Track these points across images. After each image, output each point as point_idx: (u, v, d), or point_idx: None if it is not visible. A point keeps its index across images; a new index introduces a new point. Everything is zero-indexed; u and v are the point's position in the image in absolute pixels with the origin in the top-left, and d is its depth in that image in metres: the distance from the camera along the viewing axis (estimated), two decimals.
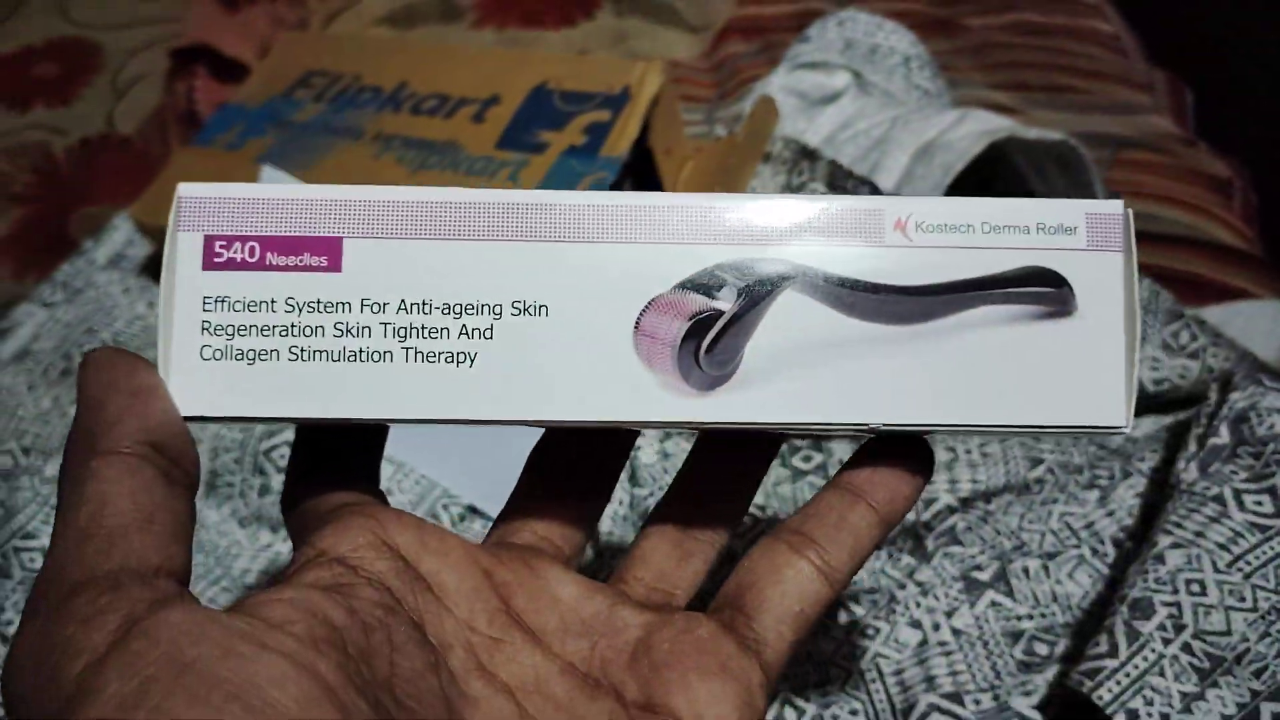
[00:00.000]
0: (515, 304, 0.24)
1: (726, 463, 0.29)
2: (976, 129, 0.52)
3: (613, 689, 0.24)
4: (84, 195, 0.69)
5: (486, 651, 0.24)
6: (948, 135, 0.52)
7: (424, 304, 0.24)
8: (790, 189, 0.54)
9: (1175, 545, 0.38)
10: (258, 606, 0.20)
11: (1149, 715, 0.35)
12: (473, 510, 0.51)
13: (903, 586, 0.43)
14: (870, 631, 0.42)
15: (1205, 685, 0.35)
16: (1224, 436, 0.42)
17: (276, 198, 0.24)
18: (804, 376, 0.24)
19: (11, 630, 0.44)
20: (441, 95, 0.60)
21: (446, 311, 0.24)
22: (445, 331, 0.24)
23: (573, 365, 0.24)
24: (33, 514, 0.48)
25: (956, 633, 0.41)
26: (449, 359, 0.24)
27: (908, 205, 0.24)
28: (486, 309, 0.24)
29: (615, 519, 0.48)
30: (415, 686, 0.21)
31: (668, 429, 0.31)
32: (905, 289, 0.24)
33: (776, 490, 0.49)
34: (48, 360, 0.59)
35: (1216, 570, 0.37)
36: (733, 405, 0.24)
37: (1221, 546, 0.38)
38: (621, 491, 0.49)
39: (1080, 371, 0.24)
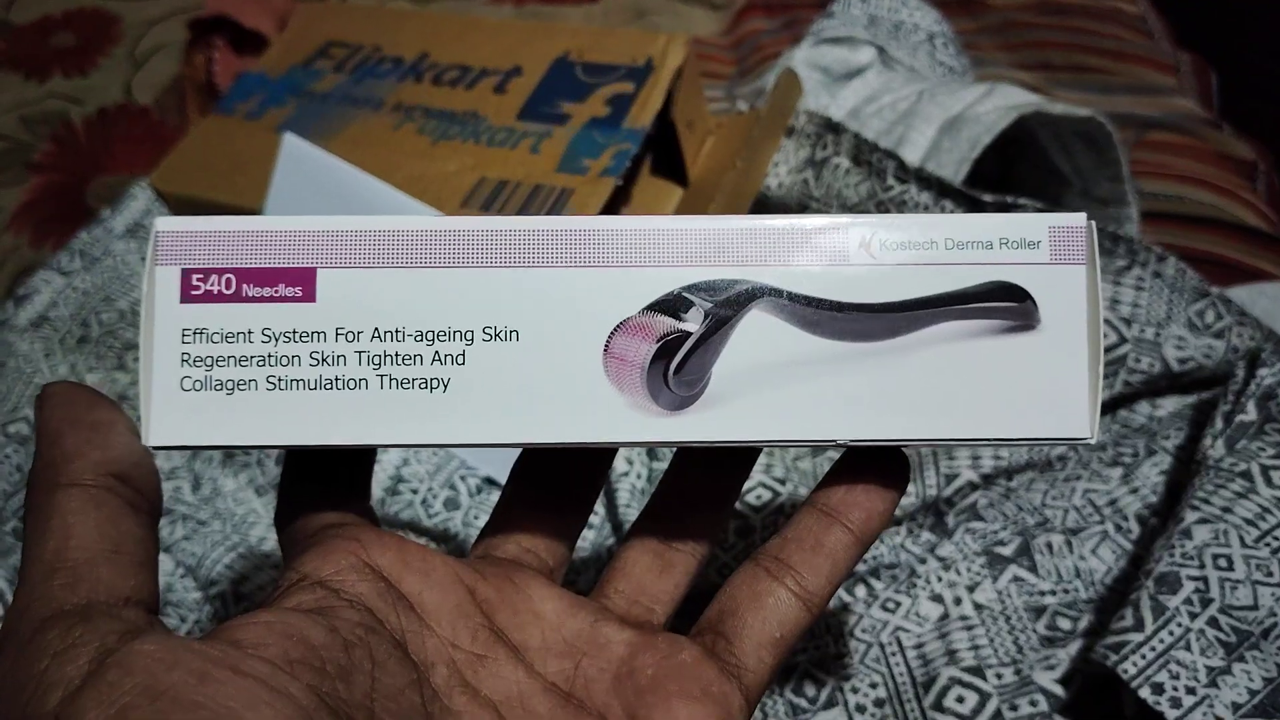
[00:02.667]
0: (486, 329, 0.24)
1: (704, 476, 0.29)
2: (1004, 103, 0.52)
3: (596, 710, 0.25)
4: (102, 164, 0.69)
5: (470, 668, 0.24)
6: (975, 109, 0.52)
7: (397, 331, 0.24)
8: (814, 163, 0.53)
9: (1202, 520, 0.38)
10: (233, 630, 0.20)
11: (1174, 689, 0.34)
12: (490, 482, 0.51)
13: (923, 561, 0.43)
14: (891, 605, 0.42)
15: (1231, 659, 0.35)
16: (1251, 413, 0.41)
17: (251, 230, 0.24)
18: (772, 394, 0.24)
19: None
20: (463, 66, 0.60)
21: (419, 338, 0.24)
22: (419, 358, 0.24)
23: (544, 388, 0.25)
24: None
25: (978, 607, 0.41)
26: (423, 385, 0.24)
27: (872, 223, 0.24)
28: (458, 335, 0.24)
29: (597, 530, 0.47)
30: (396, 703, 0.21)
31: (639, 448, 0.31)
32: (870, 306, 0.24)
33: (796, 465, 0.49)
34: (65, 328, 0.59)
35: (1244, 545, 0.37)
36: (702, 424, 0.25)
37: (1249, 522, 0.37)
38: (602, 505, 0.48)
39: (1045, 384, 0.24)
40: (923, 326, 0.24)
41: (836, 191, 0.52)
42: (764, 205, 0.57)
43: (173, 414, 0.24)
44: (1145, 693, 0.35)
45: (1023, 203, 0.48)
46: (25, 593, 0.20)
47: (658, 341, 0.24)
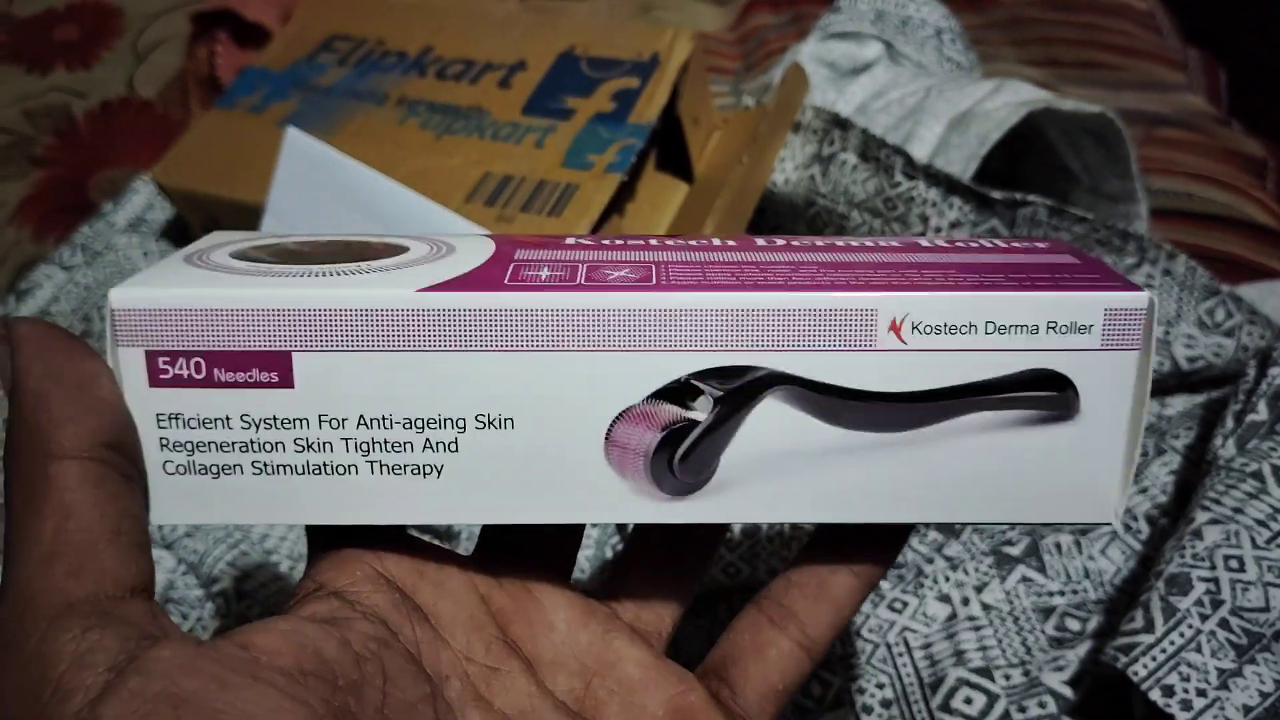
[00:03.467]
0: (480, 417, 0.23)
1: None
2: (1014, 99, 0.51)
3: None
4: (104, 158, 0.68)
5: (483, 681, 0.24)
6: (984, 105, 0.51)
7: (384, 419, 0.23)
8: (821, 159, 0.53)
9: (1213, 521, 0.37)
10: (249, 634, 0.20)
11: (1185, 691, 0.34)
12: None
13: (931, 561, 0.43)
14: (898, 605, 0.42)
15: (1243, 662, 0.34)
16: (1262, 413, 0.41)
17: (217, 308, 0.22)
18: (783, 481, 0.23)
19: None
20: (467, 60, 0.60)
21: (408, 426, 0.23)
22: (409, 445, 0.23)
23: (543, 473, 0.23)
24: None
25: (986, 607, 0.41)
26: (415, 471, 0.23)
27: (904, 304, 0.22)
28: (449, 422, 0.23)
29: (602, 529, 0.47)
30: (408, 718, 0.21)
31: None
32: (895, 397, 0.23)
33: None
34: (66, 322, 0.58)
35: (1255, 546, 0.36)
36: (707, 508, 0.23)
37: (1260, 523, 0.37)
38: None
39: (1075, 472, 0.23)
40: (951, 417, 0.23)
41: (844, 188, 0.51)
42: (770, 202, 0.56)
43: (160, 495, 0.23)
44: (1156, 695, 0.34)
45: (1032, 199, 0.47)
46: (24, 576, 0.19)
47: (663, 430, 0.23)
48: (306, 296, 0.22)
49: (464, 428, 0.23)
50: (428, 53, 0.61)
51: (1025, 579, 0.41)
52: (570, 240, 0.26)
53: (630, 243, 0.26)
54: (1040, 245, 0.26)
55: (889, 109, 0.55)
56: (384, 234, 0.27)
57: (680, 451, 0.23)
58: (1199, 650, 0.35)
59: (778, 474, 0.23)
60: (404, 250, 0.25)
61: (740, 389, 0.23)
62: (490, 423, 0.23)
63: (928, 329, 0.22)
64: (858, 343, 0.22)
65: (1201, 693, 0.34)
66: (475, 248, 0.25)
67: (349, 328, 0.22)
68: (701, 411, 0.23)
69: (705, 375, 0.22)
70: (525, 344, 0.22)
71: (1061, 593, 0.41)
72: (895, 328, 0.22)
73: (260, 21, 0.70)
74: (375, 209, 0.53)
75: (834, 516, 0.24)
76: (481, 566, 0.27)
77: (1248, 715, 0.34)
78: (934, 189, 0.49)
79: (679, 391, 0.23)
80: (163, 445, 0.23)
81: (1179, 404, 0.48)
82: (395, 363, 0.22)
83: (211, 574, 0.46)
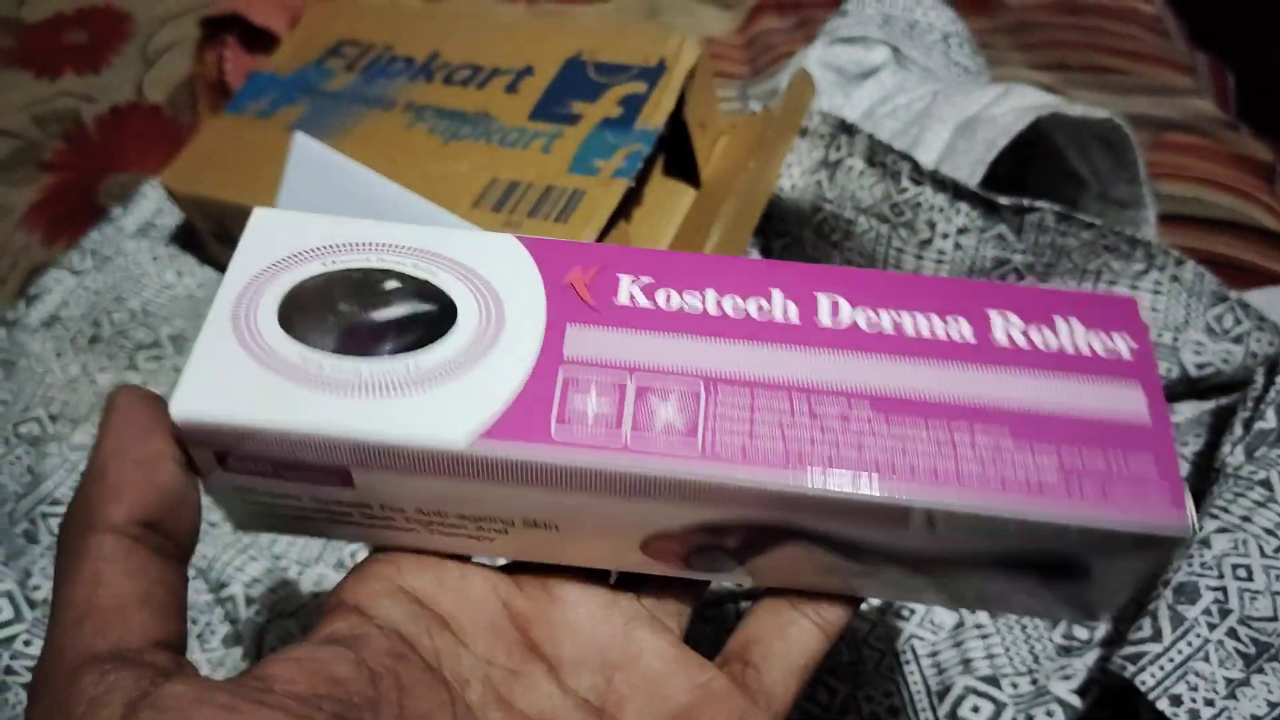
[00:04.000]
0: (526, 521, 0.24)
1: None
2: (1020, 104, 0.51)
3: None
4: (113, 162, 0.68)
5: (505, 683, 0.25)
6: (991, 110, 0.51)
7: (438, 512, 0.24)
8: (828, 164, 0.53)
9: (1221, 530, 0.37)
10: (264, 667, 0.21)
11: (1193, 701, 0.34)
12: None
13: None
14: (905, 613, 0.42)
15: (1251, 671, 0.34)
16: (1271, 420, 0.41)
17: (277, 431, 0.22)
18: (802, 576, 0.26)
19: (39, 595, 0.44)
20: (474, 65, 0.60)
21: (462, 518, 0.24)
22: (463, 526, 0.25)
23: (584, 555, 0.26)
24: (60, 479, 0.48)
25: (994, 616, 0.41)
26: (469, 536, 0.25)
27: (942, 502, 0.22)
28: (499, 520, 0.24)
29: None
30: None
31: None
32: (920, 559, 0.24)
33: None
34: (76, 327, 0.58)
35: (1263, 555, 0.36)
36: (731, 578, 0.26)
37: (1269, 531, 0.37)
38: None
39: (1081, 600, 0.25)
40: (970, 574, 0.24)
41: (850, 194, 0.51)
42: (777, 207, 0.56)
43: (242, 517, 0.26)
44: (1164, 705, 0.34)
45: (1039, 205, 0.47)
46: (57, 637, 0.21)
47: (694, 549, 0.24)
48: (364, 430, 0.22)
49: (513, 524, 0.24)
50: (435, 58, 0.61)
51: None
52: (624, 299, 0.25)
53: (682, 325, 0.24)
54: (1110, 359, 0.24)
55: (895, 114, 0.55)
56: (426, 254, 0.25)
57: (708, 557, 0.25)
58: (1207, 660, 0.35)
59: (796, 574, 0.26)
60: (451, 315, 0.24)
61: (768, 533, 0.24)
62: (537, 524, 0.24)
63: (960, 525, 0.23)
64: (891, 524, 0.23)
65: (1209, 702, 0.34)
66: (525, 315, 0.24)
67: (405, 459, 0.23)
68: (732, 541, 0.24)
69: (736, 521, 0.24)
70: (571, 486, 0.23)
71: None
72: (930, 520, 0.23)
73: (268, 27, 0.70)
74: (383, 215, 0.53)
75: (849, 591, 0.26)
76: (503, 569, 0.27)
77: None
78: (941, 194, 0.49)
79: (711, 529, 0.24)
80: (242, 500, 0.25)
81: (1187, 410, 0.48)
82: (448, 485, 0.23)
83: (220, 579, 0.46)
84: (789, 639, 0.27)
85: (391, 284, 0.25)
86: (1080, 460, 0.22)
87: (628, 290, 0.24)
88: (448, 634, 0.25)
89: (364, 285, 0.24)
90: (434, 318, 0.24)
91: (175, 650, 0.21)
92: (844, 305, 0.24)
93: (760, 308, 0.24)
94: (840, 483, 0.22)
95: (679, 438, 0.22)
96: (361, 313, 0.24)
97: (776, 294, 0.24)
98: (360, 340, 0.24)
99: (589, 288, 0.24)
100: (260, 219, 0.26)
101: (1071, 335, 0.24)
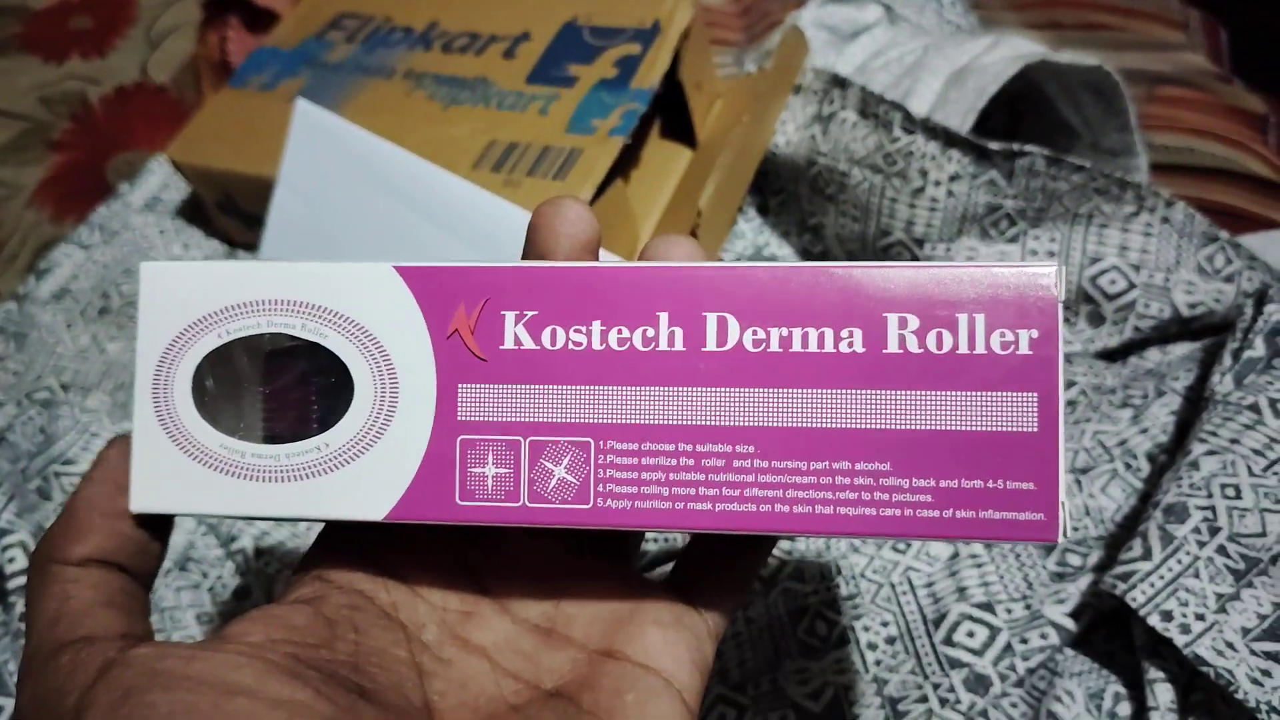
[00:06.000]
0: None
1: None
2: (1010, 53, 0.52)
3: (574, 640, 0.27)
4: (121, 142, 0.69)
5: (460, 624, 0.27)
6: (981, 59, 0.52)
7: None
8: (821, 118, 0.53)
9: (1210, 453, 0.38)
10: (224, 628, 0.24)
11: (1183, 616, 0.35)
12: None
13: None
14: (901, 546, 0.42)
15: (1240, 586, 0.35)
16: (1260, 349, 0.41)
17: (219, 516, 0.28)
18: None
19: None
20: (472, 33, 0.60)
21: None
22: None
23: None
24: (72, 441, 0.49)
25: (989, 545, 0.41)
26: None
27: (818, 534, 0.24)
28: None
29: None
30: (381, 658, 0.24)
31: None
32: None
33: None
34: (86, 299, 0.59)
35: (1252, 475, 0.37)
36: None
37: (1256, 452, 0.38)
38: None
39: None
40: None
41: (844, 146, 0.52)
42: (772, 163, 0.57)
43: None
44: (1154, 620, 0.35)
45: (1029, 150, 0.48)
46: (34, 638, 0.24)
47: None
48: (294, 513, 0.25)
49: None
50: (433, 27, 0.62)
51: None
52: (510, 342, 0.25)
53: (569, 369, 0.24)
54: (1009, 358, 0.23)
55: (888, 67, 0.55)
56: (313, 310, 0.25)
57: None
58: (1197, 576, 0.35)
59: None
60: (349, 381, 0.25)
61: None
62: None
63: None
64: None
65: (1200, 617, 0.35)
66: (416, 375, 0.25)
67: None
68: None
69: None
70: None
71: None
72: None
73: (270, 6, 0.71)
74: (386, 177, 0.53)
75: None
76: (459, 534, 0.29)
77: (1246, 637, 0.34)
78: (933, 142, 0.49)
79: None
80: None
81: (1180, 350, 0.49)
82: None
83: (230, 533, 0.47)
84: (731, 557, 0.28)
85: (286, 349, 0.25)
86: (958, 485, 0.23)
87: (512, 331, 0.24)
88: (404, 589, 0.27)
89: (261, 355, 0.25)
90: (333, 386, 0.25)
91: (144, 640, 0.24)
92: (732, 325, 0.24)
93: (646, 336, 0.24)
94: (722, 527, 0.24)
95: (571, 496, 0.24)
96: (264, 386, 0.25)
97: (663, 318, 0.24)
98: (270, 415, 0.25)
99: (474, 333, 0.24)
100: (150, 276, 0.25)
101: (971, 336, 0.23)
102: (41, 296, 0.59)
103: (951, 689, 0.38)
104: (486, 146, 0.54)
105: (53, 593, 0.24)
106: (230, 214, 0.61)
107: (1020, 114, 0.59)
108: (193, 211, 0.64)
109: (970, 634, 0.39)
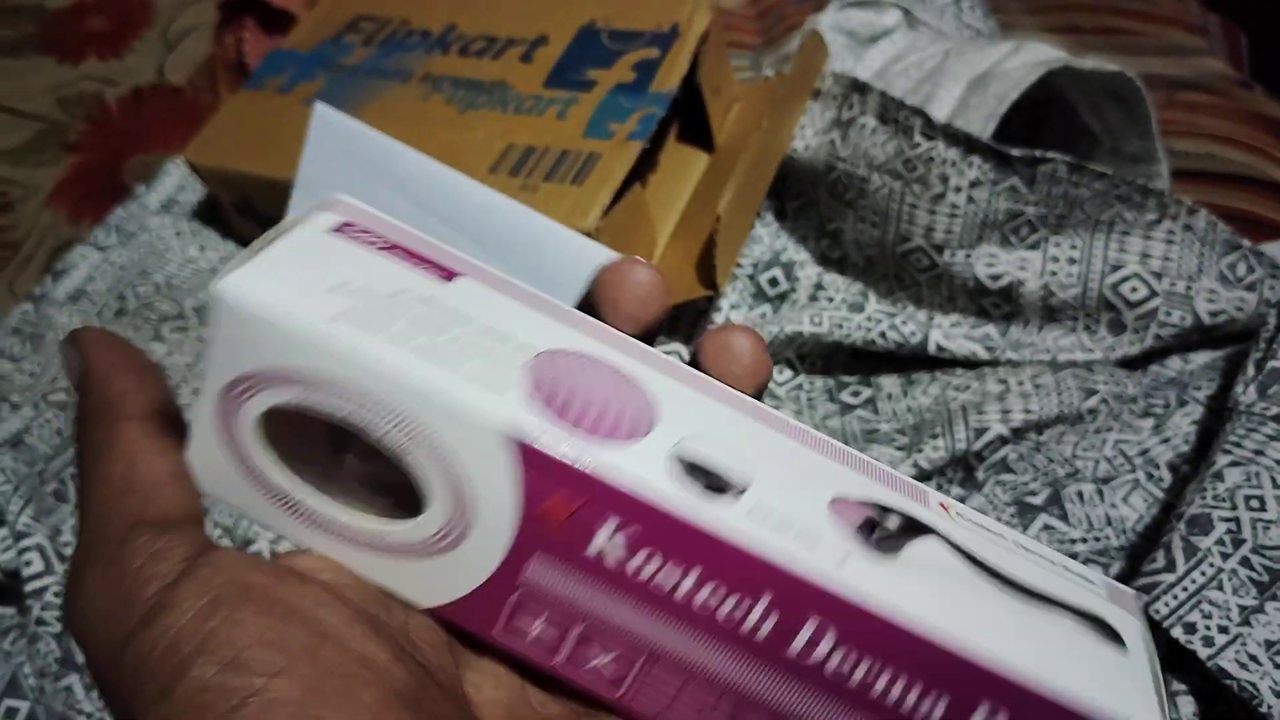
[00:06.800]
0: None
1: None
2: (1032, 59, 0.51)
3: None
4: (136, 143, 0.69)
5: None
6: (1002, 65, 0.51)
7: None
8: (840, 124, 0.53)
9: (1234, 464, 0.38)
10: (290, 559, 0.22)
11: (1207, 628, 0.34)
12: None
13: None
14: None
15: (1264, 598, 0.35)
16: None
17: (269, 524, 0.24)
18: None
19: (69, 550, 0.45)
20: (489, 36, 0.60)
21: None
22: None
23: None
24: None
25: None
26: None
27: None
28: None
29: None
30: (427, 636, 0.23)
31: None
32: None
33: (825, 424, 0.49)
34: (102, 301, 0.60)
35: (1276, 486, 0.37)
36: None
37: None
38: None
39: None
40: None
41: (864, 151, 0.52)
42: (791, 168, 0.57)
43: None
44: (1178, 632, 0.34)
45: (1052, 156, 0.48)
46: (99, 509, 0.22)
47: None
48: (341, 560, 0.23)
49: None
50: (451, 31, 0.61)
51: (1048, 527, 0.41)
52: (595, 550, 0.22)
53: (649, 600, 0.22)
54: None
55: (908, 73, 0.55)
56: (404, 422, 0.22)
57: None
58: (1220, 588, 0.35)
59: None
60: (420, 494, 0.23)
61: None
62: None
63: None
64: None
65: (1224, 629, 0.34)
66: (491, 530, 0.22)
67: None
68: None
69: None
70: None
71: (1084, 539, 0.41)
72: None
73: (286, 8, 0.71)
74: (403, 181, 0.53)
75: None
76: None
77: (1270, 650, 0.34)
78: (953, 148, 0.49)
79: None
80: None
81: (1202, 358, 0.49)
82: None
83: (246, 536, 0.47)
84: None
85: (365, 437, 0.22)
86: None
87: (603, 543, 0.21)
88: None
89: (338, 428, 0.22)
90: (404, 486, 0.22)
91: (202, 526, 0.23)
92: (826, 641, 0.21)
93: (738, 610, 0.21)
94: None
95: (606, 678, 0.23)
96: (337, 445, 0.24)
97: (763, 602, 0.21)
98: (334, 474, 0.23)
99: (564, 526, 0.22)
100: (232, 299, 0.21)
101: None
102: (58, 298, 0.59)
103: None
104: (504, 151, 0.54)
105: (117, 454, 0.22)
106: (247, 216, 0.61)
107: (1041, 120, 0.59)
108: (210, 213, 0.64)
109: None
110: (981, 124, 0.50)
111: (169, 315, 0.58)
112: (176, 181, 0.65)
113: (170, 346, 0.57)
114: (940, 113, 0.51)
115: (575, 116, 0.54)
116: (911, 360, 0.52)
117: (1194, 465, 0.43)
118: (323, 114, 0.55)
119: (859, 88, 0.53)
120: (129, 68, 0.75)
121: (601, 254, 0.50)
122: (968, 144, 0.49)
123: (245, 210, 0.60)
